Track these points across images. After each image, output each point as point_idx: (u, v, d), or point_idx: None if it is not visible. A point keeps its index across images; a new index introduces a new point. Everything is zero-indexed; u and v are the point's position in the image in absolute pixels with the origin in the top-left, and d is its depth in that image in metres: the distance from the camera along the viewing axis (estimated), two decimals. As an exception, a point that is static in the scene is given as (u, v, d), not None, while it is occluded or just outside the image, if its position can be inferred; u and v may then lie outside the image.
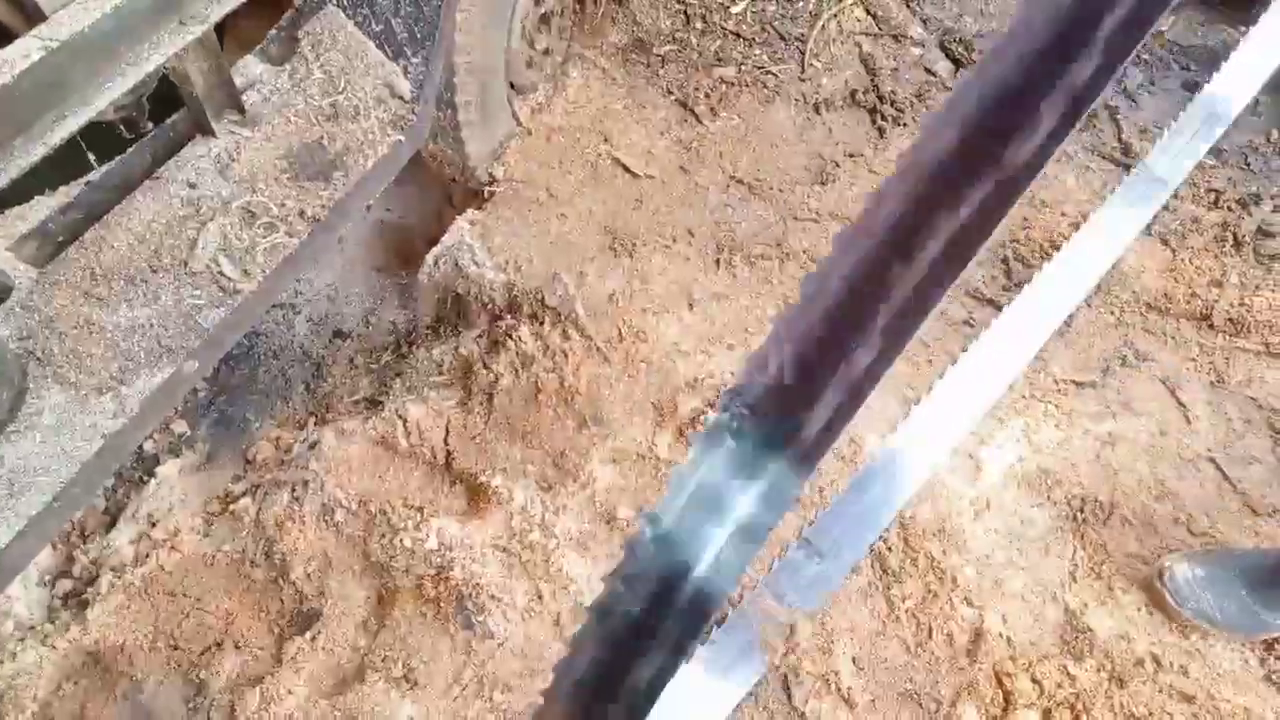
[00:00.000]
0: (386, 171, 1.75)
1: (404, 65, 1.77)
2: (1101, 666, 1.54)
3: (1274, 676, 1.57)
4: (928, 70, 2.58)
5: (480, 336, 1.97)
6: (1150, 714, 1.51)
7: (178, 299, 1.50)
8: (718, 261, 2.14)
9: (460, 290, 2.03)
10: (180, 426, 2.04)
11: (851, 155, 2.37)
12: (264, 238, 1.58)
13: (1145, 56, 2.56)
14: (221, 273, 1.52)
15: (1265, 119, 2.48)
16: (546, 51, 2.34)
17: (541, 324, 1.93)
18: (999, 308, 2.08)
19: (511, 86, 2.24)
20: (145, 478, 1.83)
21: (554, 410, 1.83)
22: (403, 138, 1.73)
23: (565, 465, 1.76)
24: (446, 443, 1.82)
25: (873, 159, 2.37)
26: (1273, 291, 2.08)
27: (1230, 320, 2.03)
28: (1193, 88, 2.53)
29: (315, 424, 1.95)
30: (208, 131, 1.67)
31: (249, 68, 1.79)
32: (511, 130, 2.24)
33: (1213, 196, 2.28)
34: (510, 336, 1.91)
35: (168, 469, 1.84)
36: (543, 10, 2.26)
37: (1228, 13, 2.68)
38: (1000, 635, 1.58)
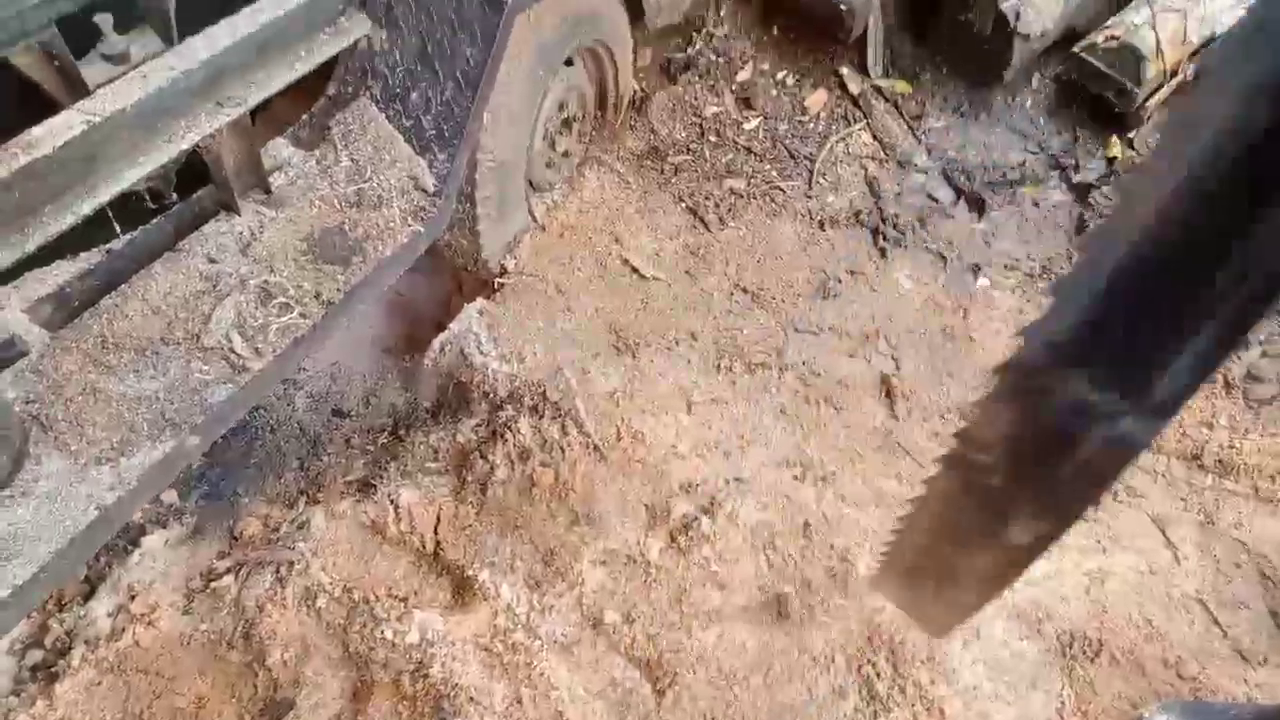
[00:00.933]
0: (403, 260, 1.78)
1: (430, 160, 1.83)
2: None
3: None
4: (930, 196, 2.67)
5: (479, 425, 1.98)
6: None
7: (186, 373, 1.51)
8: (718, 366, 2.17)
9: (463, 378, 2.04)
10: (170, 497, 2.02)
11: (853, 272, 2.43)
12: (278, 317, 1.60)
13: (1140, 198, 2.65)
14: (233, 349, 1.54)
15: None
16: (566, 154, 2.42)
17: (541, 417, 1.94)
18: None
19: (529, 184, 2.31)
20: (129, 547, 1.80)
21: (547, 506, 1.82)
22: (422, 229, 1.78)
23: (555, 563, 1.74)
24: (436, 531, 1.81)
25: (874, 277, 2.43)
26: (1261, 436, 2.12)
27: (1220, 462, 2.06)
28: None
29: (306, 503, 1.94)
30: (232, 209, 1.71)
31: (279, 150, 1.85)
32: (526, 225, 2.29)
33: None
34: (509, 428, 1.92)
35: (153, 540, 1.81)
36: (565, 115, 2.34)
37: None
38: (986, 773, 1.55)
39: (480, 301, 2.14)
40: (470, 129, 1.85)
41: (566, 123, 2.36)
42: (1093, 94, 2.77)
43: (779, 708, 1.61)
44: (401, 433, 2.07)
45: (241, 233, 1.70)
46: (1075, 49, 2.76)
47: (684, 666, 1.63)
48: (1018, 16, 2.67)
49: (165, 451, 1.41)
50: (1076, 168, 2.74)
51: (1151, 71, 2.67)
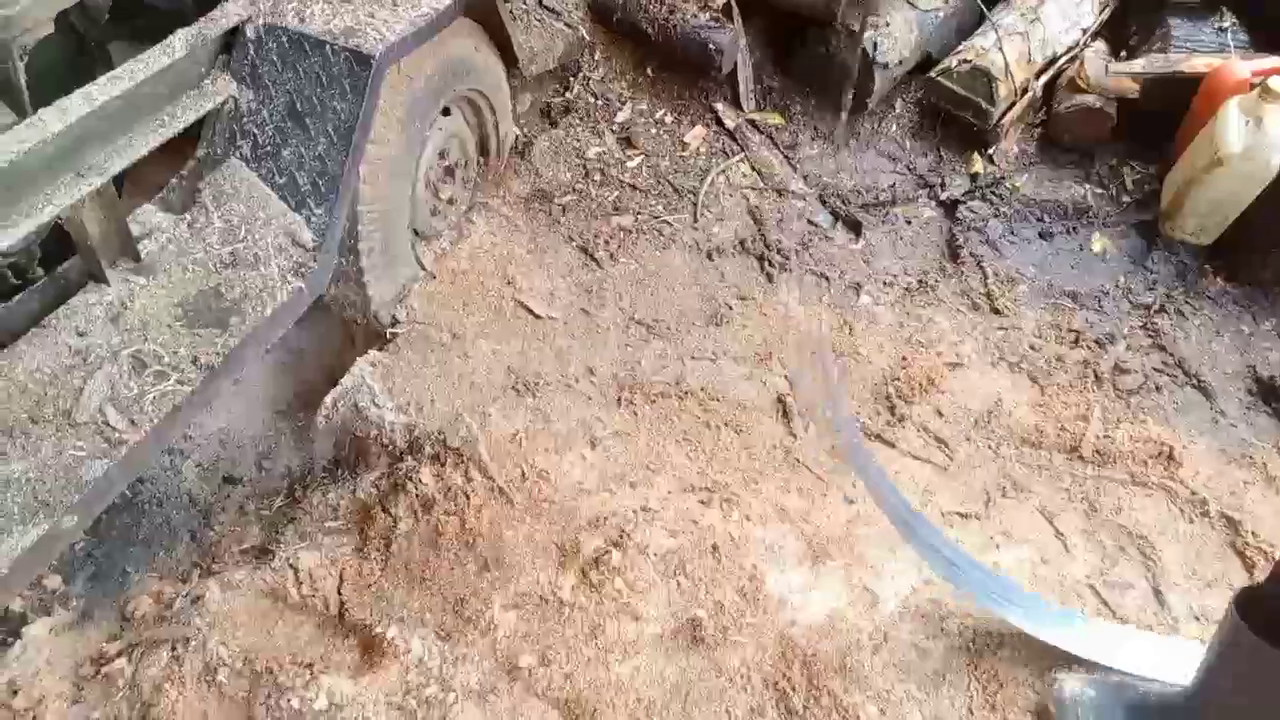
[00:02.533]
0: (286, 317, 1.76)
1: (306, 215, 1.81)
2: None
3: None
4: (810, 221, 2.77)
5: (379, 479, 1.95)
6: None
7: (59, 450, 1.45)
8: (619, 400, 2.19)
9: (359, 432, 2.01)
10: (53, 581, 1.91)
11: (743, 298, 2.50)
12: (154, 386, 1.55)
13: (1004, 210, 2.82)
14: (107, 423, 1.49)
15: (1114, 265, 2.74)
16: (451, 200, 2.43)
17: (443, 465, 1.93)
18: (887, 443, 2.19)
19: (416, 233, 2.30)
20: (9, 639, 1.70)
21: (454, 554, 1.80)
22: (303, 285, 1.75)
23: (465, 612, 1.72)
24: (340, 592, 1.76)
25: (762, 302, 2.50)
26: (1132, 424, 2.25)
27: (1097, 452, 2.18)
28: (1047, 236, 2.79)
29: (200, 575, 1.87)
30: (101, 279, 1.66)
31: (147, 216, 1.81)
32: (415, 274, 2.28)
33: (1073, 336, 2.48)
34: (411, 479, 1.89)
35: (36, 629, 1.71)
36: (447, 163, 2.36)
37: (1073, 169, 2.98)
38: (903, 773, 1.59)
39: (372, 354, 2.12)
40: (346, 182, 1.84)
41: (449, 170, 2.37)
42: (952, 115, 2.93)
43: (700, 733, 1.61)
44: (298, 494, 2.02)
45: (111, 303, 1.65)
46: (932, 74, 2.93)
47: (603, 702, 1.63)
48: (875, 47, 2.82)
49: (39, 534, 1.35)
50: (943, 185, 2.89)
51: (1003, 91, 2.85)
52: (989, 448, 2.19)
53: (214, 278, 1.73)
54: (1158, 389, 2.35)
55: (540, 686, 1.63)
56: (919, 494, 2.08)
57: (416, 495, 1.88)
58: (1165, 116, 2.92)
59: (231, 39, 1.85)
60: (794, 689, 1.68)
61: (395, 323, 2.19)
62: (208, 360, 1.60)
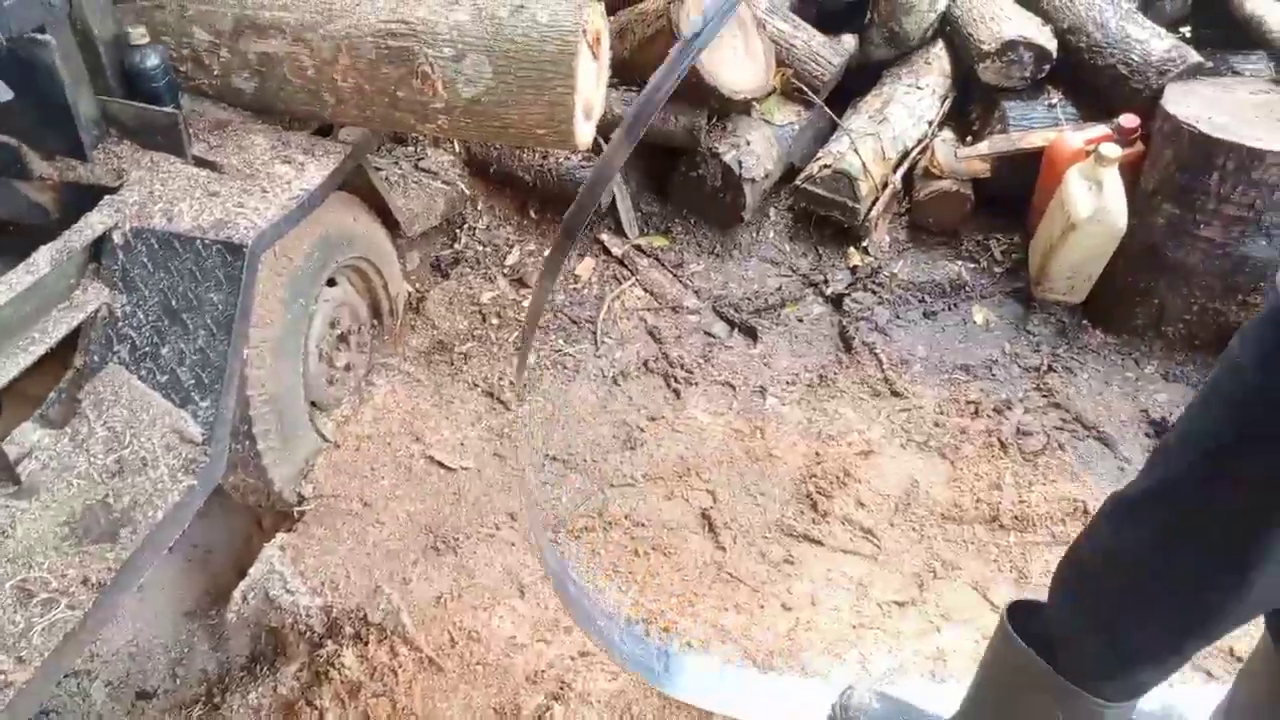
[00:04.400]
0: (180, 517, 1.69)
1: (193, 410, 1.77)
2: None
3: None
4: (707, 333, 2.84)
5: (300, 670, 1.85)
6: None
7: (-65, 706, 1.34)
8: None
9: (274, 622, 1.92)
10: None
11: (653, 418, 2.52)
12: (42, 616, 1.46)
13: (887, 296, 2.94)
14: (-10, 665, 1.38)
15: (998, 333, 2.86)
16: (348, 367, 2.42)
17: (366, 644, 1.85)
18: (815, 541, 2.19)
19: (314, 405, 2.27)
20: None
21: (388, 740, 1.71)
22: (195, 481, 1.70)
23: (406, 801, 1.62)
24: (270, 803, 1.64)
25: (673, 419, 2.53)
26: (1044, 485, 2.31)
27: (1016, 518, 2.23)
28: (931, 316, 2.91)
29: (115, 812, 1.72)
30: (-24, 510, 1.58)
31: (25, 435, 1.74)
32: (317, 446, 2.24)
33: (973, 408, 2.56)
34: (333, 664, 1.81)
35: None
36: (339, 331, 2.35)
37: (943, 250, 3.15)
38: None
39: (280, 537, 2.04)
40: (231, 371, 1.81)
41: (342, 338, 2.37)
42: (823, 216, 3.09)
43: None
44: (217, 700, 1.90)
45: (-10, 532, 1.57)
46: (797, 182, 3.09)
47: None
48: (740, 164, 2.98)
49: (-84, 807, 1.23)
50: (826, 282, 3.01)
51: (864, 188, 3.02)
52: (914, 530, 2.21)
53: (100, 489, 1.67)
54: (1060, 447, 2.43)
55: None
56: (854, 588, 2.08)
57: (341, 681, 1.79)
58: (1017, 189, 3.13)
59: (99, 247, 1.84)
60: (760, 820, 1.61)
61: (301, 500, 2.13)
62: (99, 578, 1.52)
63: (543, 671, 1.82)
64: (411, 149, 3.01)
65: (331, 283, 2.33)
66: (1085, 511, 2.20)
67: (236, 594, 1.94)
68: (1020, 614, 1.33)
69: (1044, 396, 2.59)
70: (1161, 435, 2.51)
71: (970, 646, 1.93)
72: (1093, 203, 2.70)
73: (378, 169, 2.66)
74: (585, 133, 1.96)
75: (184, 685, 2.02)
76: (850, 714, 1.71)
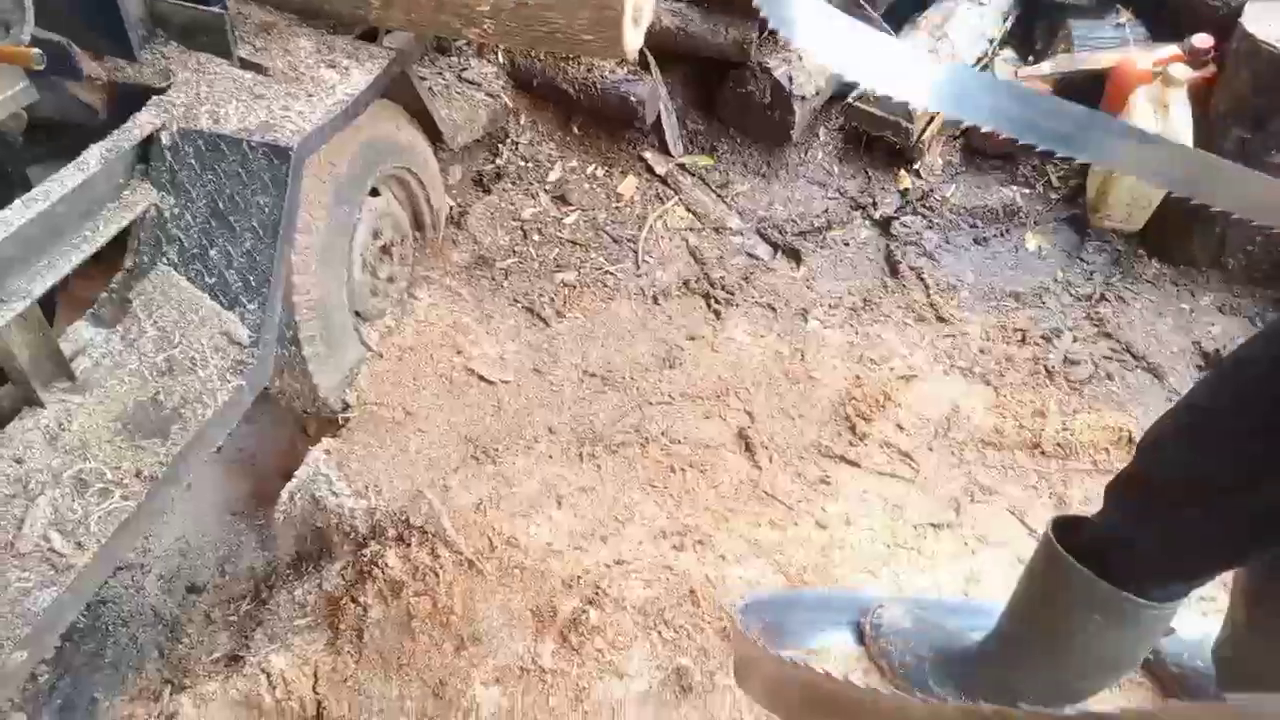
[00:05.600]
0: (229, 417, 1.73)
1: (240, 313, 1.80)
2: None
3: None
4: (750, 255, 2.80)
5: (345, 569, 1.91)
6: None
7: (3, 585, 1.40)
8: (580, 455, 2.17)
9: (320, 523, 1.98)
10: (19, 718, 1.84)
11: (692, 338, 2.51)
12: (98, 505, 1.51)
13: (937, 221, 2.87)
14: (52, 549, 1.45)
15: (1050, 261, 2.79)
16: (391, 279, 2.43)
17: (408, 546, 1.89)
18: (852, 463, 2.19)
19: (358, 314, 2.30)
20: (-28, 790, 1.63)
21: (429, 636, 1.76)
22: (244, 382, 1.73)
23: (445, 694, 1.68)
24: (316, 691, 1.71)
25: (713, 339, 2.51)
26: (1089, 413, 2.28)
27: (1059, 445, 2.20)
28: (982, 242, 2.84)
29: (171, 692, 1.81)
30: (35, 403, 1.63)
31: (79, 333, 1.78)
32: (361, 356, 2.27)
33: (1020, 335, 2.51)
34: (376, 564, 1.86)
35: (-1, 775, 1.65)
36: (382, 243, 2.36)
37: (998, 174, 3.05)
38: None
39: (325, 441, 2.09)
40: (278, 275, 1.83)
41: (385, 250, 2.38)
42: (874, 137, 3.00)
43: (698, 785, 1.58)
44: (264, 595, 1.97)
45: (48, 425, 1.62)
46: (850, 100, 3.00)
47: (595, 767, 1.59)
48: (791, 80, 2.89)
49: (-14, 675, 1.30)
50: (875, 205, 2.94)
51: (918, 108, 2.92)
52: (952, 455, 2.20)
53: (151, 387, 1.71)
54: (1109, 376, 2.38)
55: (529, 760, 1.59)
56: (889, 509, 2.08)
57: (384, 580, 1.84)
58: (1078, 112, 3.01)
59: (147, 148, 1.85)
60: (788, 726, 1.65)
61: (346, 408, 2.17)
62: (151, 471, 1.57)
63: (579, 577, 1.86)
64: (455, 59, 2.96)
65: (375, 193, 2.32)
66: (1130, 441, 2.16)
67: (284, 494, 2.00)
68: (1063, 528, 1.34)
69: (1094, 326, 2.53)
70: (1213, 368, 2.45)
71: (1004, 570, 1.93)
72: (1157, 126, 2.59)
73: (422, 78, 2.63)
74: (634, 40, 1.90)
75: (232, 580, 2.10)
76: (882, 631, 1.73)
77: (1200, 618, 1.74)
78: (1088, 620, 1.31)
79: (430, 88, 2.65)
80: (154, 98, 1.88)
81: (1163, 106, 2.61)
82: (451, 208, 2.76)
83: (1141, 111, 2.63)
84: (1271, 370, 1.08)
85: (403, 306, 2.46)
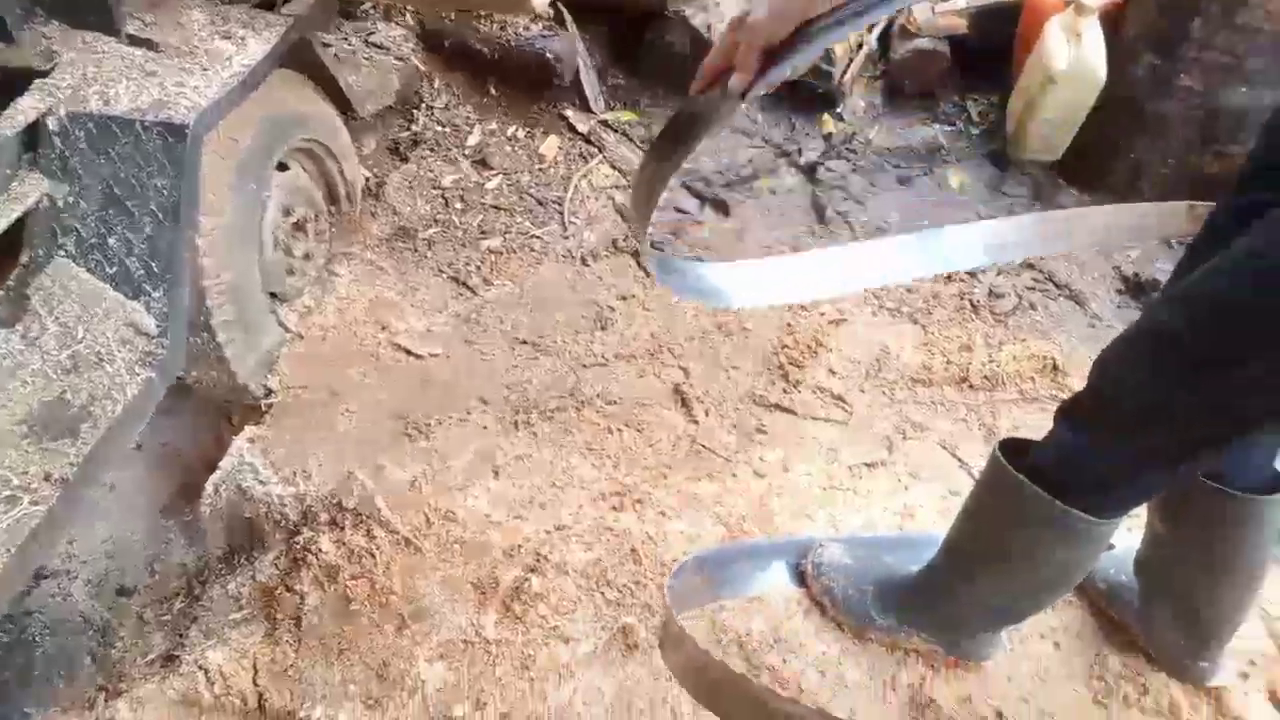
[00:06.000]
0: (142, 411, 1.67)
1: (145, 302, 1.73)
2: (948, 736, 1.58)
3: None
4: (678, 209, 2.78)
5: (278, 558, 1.87)
6: None
7: (-94, 603, 1.34)
8: (515, 424, 2.15)
9: (249, 514, 1.93)
10: (-53, 741, 1.79)
11: (624, 298, 2.49)
12: (6, 513, 1.45)
13: (861, 164, 2.87)
14: (-43, 562, 1.38)
15: (972, 197, 2.81)
16: (307, 256, 2.36)
17: (342, 529, 1.86)
18: (787, 410, 2.20)
19: (274, 296, 2.23)
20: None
21: (369, 618, 1.74)
22: (154, 374, 1.67)
23: (389, 675, 1.66)
24: (256, 683, 1.68)
25: (644, 297, 2.49)
26: (1014, 344, 2.32)
27: (985, 378, 2.23)
28: (906, 182, 2.85)
29: (106, 698, 1.76)
30: (-71, 413, 1.55)
31: (-27, 335, 1.69)
32: (281, 339, 2.21)
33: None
34: (310, 550, 1.82)
35: (-73, 797, 1.60)
36: (295, 219, 2.28)
37: (920, 113, 3.06)
38: (853, 732, 1.59)
39: (249, 430, 2.03)
40: (182, 260, 1.76)
41: (298, 226, 2.30)
42: (796, 81, 2.98)
43: (648, 740, 1.59)
44: (197, 592, 1.93)
45: (-53, 434, 1.54)
46: (767, 45, 2.96)
47: (545, 732, 1.59)
48: (709, 29, 2.85)
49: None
50: (800, 151, 2.93)
51: (839, 50, 2.91)
52: (884, 394, 2.22)
53: (57, 386, 1.64)
54: (1032, 306, 2.42)
55: (478, 732, 1.58)
56: (825, 453, 2.10)
57: (320, 566, 1.81)
58: (996, 46, 3.02)
59: (34, 135, 1.75)
60: (734, 675, 1.66)
61: (269, 393, 2.11)
62: (62, 474, 1.51)
63: (519, 546, 1.85)
64: (361, 23, 2.86)
65: (283, 167, 2.24)
66: (1055, 368, 2.21)
67: (209, 487, 1.94)
68: (1011, 451, 1.37)
69: (1017, 258, 2.56)
70: (1133, 291, 2.50)
71: (937, 502, 1.96)
72: (1072, 55, 2.61)
73: (326, 45, 2.53)
74: (537, -6, 1.85)
75: (164, 579, 2.05)
76: (823, 569, 1.75)
77: (1125, 533, 1.79)
78: (1039, 538, 1.35)
79: (335, 54, 2.55)
80: (37, 81, 1.78)
81: (1075, 35, 2.63)
82: (367, 179, 2.68)
83: (1055, 40, 2.64)
84: (1229, 297, 1.10)
85: (322, 284, 2.39)
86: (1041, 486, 1.30)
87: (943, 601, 1.61)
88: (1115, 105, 2.65)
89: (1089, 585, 1.77)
